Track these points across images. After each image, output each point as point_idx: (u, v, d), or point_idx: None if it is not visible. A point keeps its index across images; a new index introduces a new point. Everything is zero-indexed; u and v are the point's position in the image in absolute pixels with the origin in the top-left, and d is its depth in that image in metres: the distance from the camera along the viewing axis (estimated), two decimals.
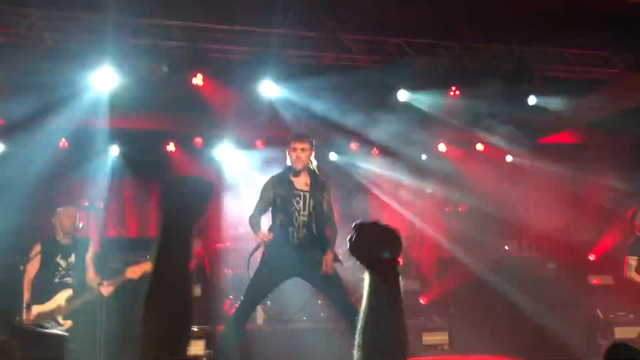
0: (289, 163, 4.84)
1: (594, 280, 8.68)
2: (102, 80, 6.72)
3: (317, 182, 4.82)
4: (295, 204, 4.71)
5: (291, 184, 4.76)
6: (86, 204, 7.85)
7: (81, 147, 8.46)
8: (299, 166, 4.75)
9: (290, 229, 4.70)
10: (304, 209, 4.72)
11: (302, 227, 4.70)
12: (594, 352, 7.66)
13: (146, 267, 5.28)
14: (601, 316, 8.14)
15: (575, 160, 9.25)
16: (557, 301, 7.96)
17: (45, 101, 6.78)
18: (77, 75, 6.57)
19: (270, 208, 4.83)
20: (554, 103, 8.16)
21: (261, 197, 4.81)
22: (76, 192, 8.44)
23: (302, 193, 4.74)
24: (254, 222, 4.79)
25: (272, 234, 4.66)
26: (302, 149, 4.73)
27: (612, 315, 8.08)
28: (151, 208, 9.20)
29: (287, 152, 4.82)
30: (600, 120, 8.26)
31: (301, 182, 4.78)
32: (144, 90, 6.93)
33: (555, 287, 8.06)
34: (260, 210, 4.83)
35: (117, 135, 8.38)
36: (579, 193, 9.23)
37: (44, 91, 6.64)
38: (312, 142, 4.83)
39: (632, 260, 6.34)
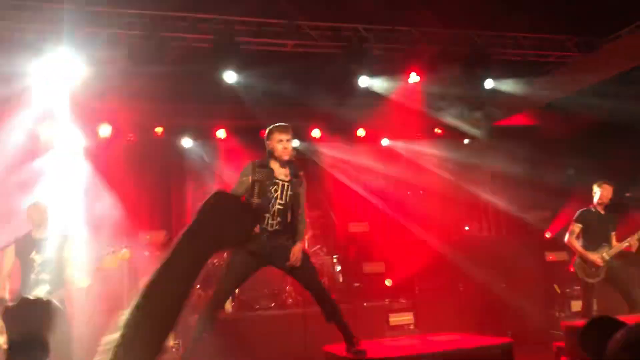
0: (270, 152, 4.83)
1: (550, 257, 8.99)
2: (60, 71, 6.57)
3: (297, 174, 4.87)
4: (273, 192, 4.74)
5: (271, 171, 4.78)
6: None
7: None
8: (286, 157, 4.78)
9: (266, 215, 4.74)
10: (281, 198, 4.76)
11: (277, 215, 4.75)
12: (552, 325, 7.99)
13: (124, 256, 5.23)
14: (558, 291, 8.48)
15: (530, 142, 9.53)
16: (517, 278, 8.25)
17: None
18: (33, 66, 6.42)
19: (247, 194, 4.84)
20: (510, 86, 8.39)
21: (240, 182, 4.77)
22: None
23: (281, 182, 4.78)
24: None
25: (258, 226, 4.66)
26: (288, 140, 4.78)
27: (568, 290, 8.42)
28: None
29: (269, 143, 4.81)
30: (555, 102, 8.51)
31: (281, 172, 4.81)
32: (103, 80, 6.82)
33: (515, 265, 8.34)
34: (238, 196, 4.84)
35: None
36: (535, 173, 9.51)
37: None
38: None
39: (576, 227, 6.49)
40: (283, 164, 4.82)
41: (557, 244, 8.90)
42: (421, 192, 9.49)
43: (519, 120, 9.34)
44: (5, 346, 5.00)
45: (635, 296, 6.23)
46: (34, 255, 5.14)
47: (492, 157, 10.26)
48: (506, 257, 8.40)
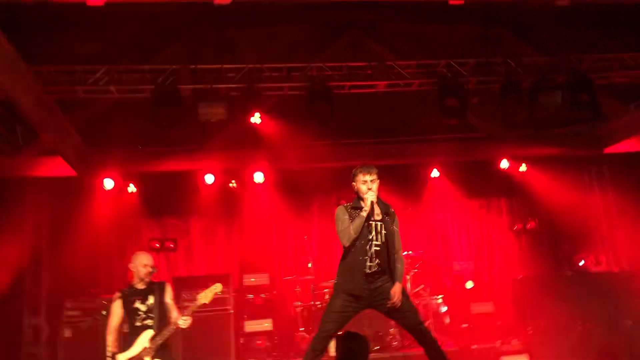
0: (357, 194, 4.86)
1: None
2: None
3: (389, 213, 4.84)
4: (368, 233, 4.73)
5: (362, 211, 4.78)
6: (157, 245, 8.20)
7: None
8: (371, 198, 4.79)
9: (364, 258, 4.72)
10: (377, 239, 4.73)
11: (374, 257, 4.71)
12: None
13: (216, 289, 5.41)
14: None
15: None
16: None
17: None
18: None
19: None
20: (618, 110, 7.89)
21: (342, 220, 4.79)
22: (146, 234, 8.83)
23: (374, 223, 4.77)
24: (349, 225, 4.72)
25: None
26: (372, 181, 4.80)
27: None
28: (219, 245, 9.46)
29: (355, 185, 4.86)
30: None
31: (373, 212, 4.80)
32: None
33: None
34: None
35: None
36: None
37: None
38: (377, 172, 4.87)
39: None
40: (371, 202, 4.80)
41: None
42: (528, 226, 9.03)
43: (631, 146, 8.68)
44: None
45: None
46: (138, 304, 5.46)
47: (606, 185, 9.65)
48: (629, 292, 7.74)
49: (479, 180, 9.71)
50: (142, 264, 5.52)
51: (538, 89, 7.26)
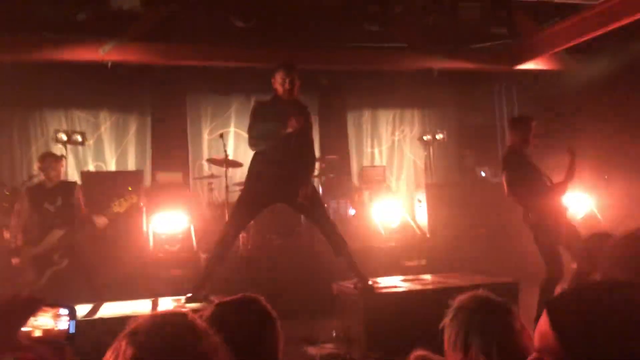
0: (275, 91, 4.85)
1: None
2: None
3: (303, 112, 4.86)
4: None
5: (279, 111, 4.79)
6: (64, 138, 7.90)
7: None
8: (287, 97, 4.79)
9: (277, 155, 4.76)
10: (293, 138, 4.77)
11: (287, 154, 4.77)
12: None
13: (132, 200, 5.42)
14: None
15: (552, 87, 9.30)
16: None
17: None
18: None
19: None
20: (531, 30, 8.12)
21: (255, 120, 4.80)
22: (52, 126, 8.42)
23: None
24: (262, 134, 4.72)
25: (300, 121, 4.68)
26: (291, 80, 4.79)
27: None
28: (130, 141, 9.22)
29: (273, 82, 4.84)
30: (579, 46, 8.21)
31: (289, 112, 4.79)
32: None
33: None
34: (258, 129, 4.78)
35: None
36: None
37: None
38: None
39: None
40: (288, 102, 4.82)
41: None
42: (439, 136, 9.37)
43: (543, 63, 9.02)
44: None
45: None
46: (47, 205, 5.37)
47: (512, 101, 10.09)
48: None
49: (394, 90, 9.86)
50: (51, 166, 5.39)
51: (459, 1, 7.33)
